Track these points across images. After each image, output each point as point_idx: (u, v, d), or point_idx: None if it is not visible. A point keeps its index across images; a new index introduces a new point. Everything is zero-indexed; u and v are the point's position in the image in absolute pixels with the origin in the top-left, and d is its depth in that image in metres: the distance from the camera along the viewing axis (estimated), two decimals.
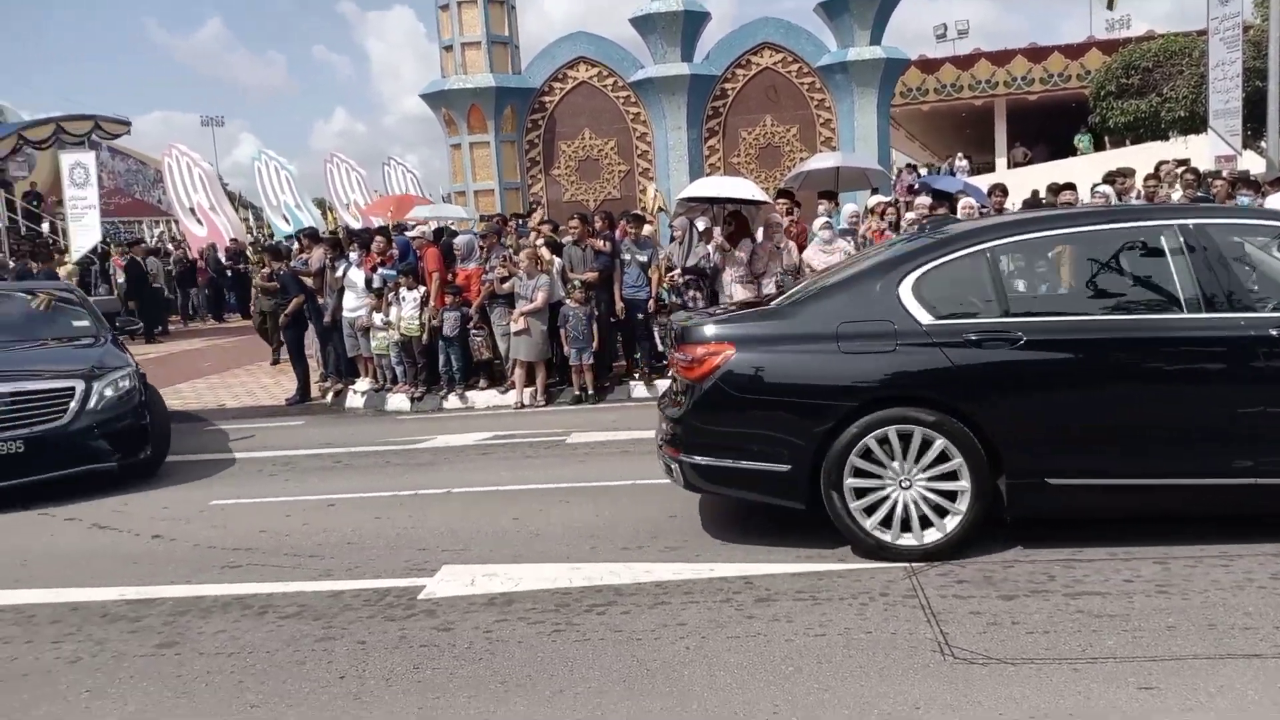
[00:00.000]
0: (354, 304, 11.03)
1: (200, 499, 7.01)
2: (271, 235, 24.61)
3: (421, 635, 4.21)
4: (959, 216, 10.13)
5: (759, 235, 10.22)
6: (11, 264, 17.95)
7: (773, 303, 5.49)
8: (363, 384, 11.28)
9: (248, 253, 20.80)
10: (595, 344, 10.18)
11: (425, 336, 10.61)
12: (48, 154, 27.73)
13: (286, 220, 23.82)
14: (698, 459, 4.98)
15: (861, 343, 4.71)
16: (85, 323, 8.83)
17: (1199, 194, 10.02)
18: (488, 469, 7.47)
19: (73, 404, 7.27)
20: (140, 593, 5.01)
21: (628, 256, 10.41)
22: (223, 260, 21.80)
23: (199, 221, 23.91)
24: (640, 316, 10.53)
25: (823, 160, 12.42)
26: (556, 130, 15.50)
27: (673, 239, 10.55)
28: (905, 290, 4.78)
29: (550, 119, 15.47)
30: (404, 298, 10.56)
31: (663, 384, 10.40)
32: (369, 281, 10.88)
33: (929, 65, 32.80)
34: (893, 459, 4.64)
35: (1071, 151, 29.53)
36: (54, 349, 8.27)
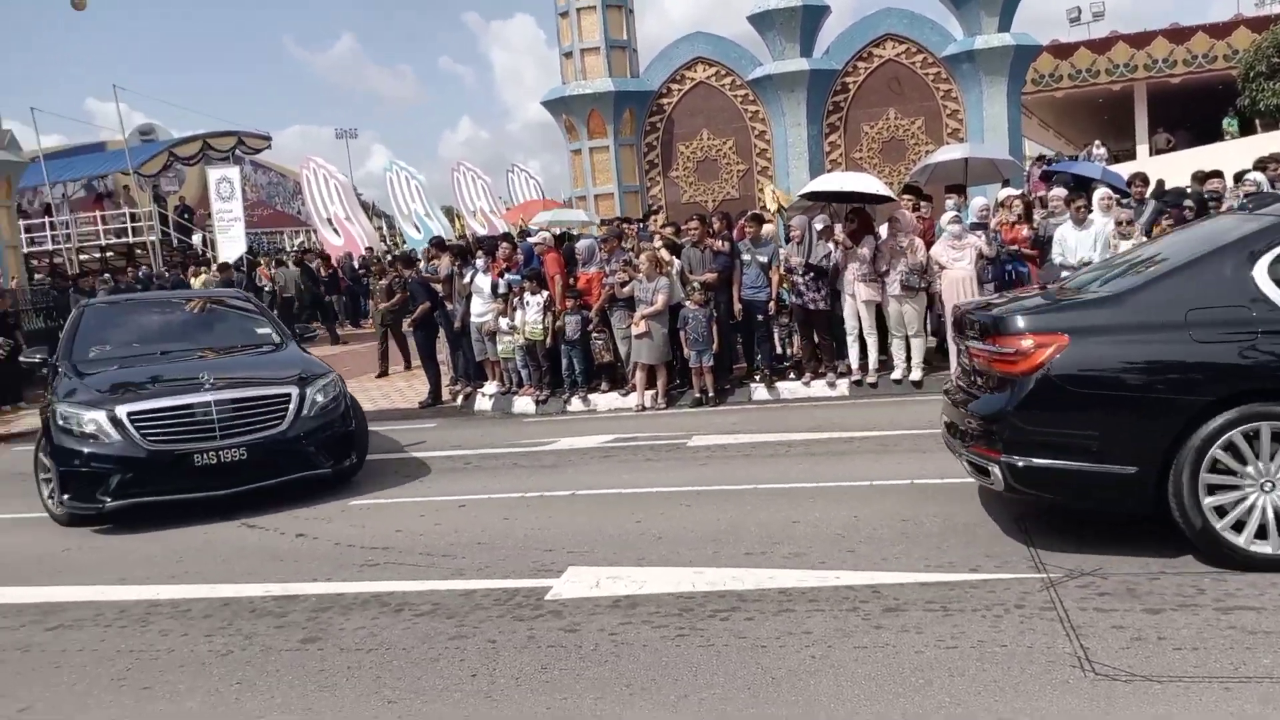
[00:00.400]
0: (480, 309, 11.35)
1: (340, 499, 7.34)
2: (403, 243, 25.54)
3: (549, 636, 4.30)
4: (1094, 206, 9.69)
5: (882, 232, 10.00)
6: (167, 274, 19.19)
7: (1080, 292, 5.08)
8: (490, 387, 11.59)
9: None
10: (715, 346, 10.17)
11: (548, 340, 10.82)
12: (196, 169, 29.56)
13: (417, 229, 24.69)
14: (1024, 460, 4.59)
15: (1217, 330, 4.33)
16: (266, 329, 8.91)
17: None
18: (610, 471, 7.57)
19: (290, 410, 7.28)
20: (285, 589, 5.29)
21: (747, 257, 10.35)
22: (357, 269, 22.75)
23: (336, 232, 25.01)
24: (760, 317, 10.46)
25: (950, 152, 12.06)
26: (674, 131, 15.55)
27: (789, 238, 10.43)
28: (1261, 273, 4.39)
29: (668, 120, 15.53)
30: (528, 302, 10.79)
31: (785, 386, 10.37)
32: (494, 287, 11.17)
33: (1062, 50, 31.36)
34: (1256, 458, 4.26)
35: (1218, 136, 27.81)
36: (259, 356, 8.36)
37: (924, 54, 14.40)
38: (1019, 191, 11.62)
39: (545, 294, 10.77)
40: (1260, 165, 10.72)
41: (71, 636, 4.83)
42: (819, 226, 10.22)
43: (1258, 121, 24.59)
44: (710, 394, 10.27)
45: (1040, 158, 24.91)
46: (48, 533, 7.12)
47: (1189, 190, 11.14)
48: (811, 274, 9.98)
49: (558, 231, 14.80)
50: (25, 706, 4.05)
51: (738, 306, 10.41)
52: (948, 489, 6.08)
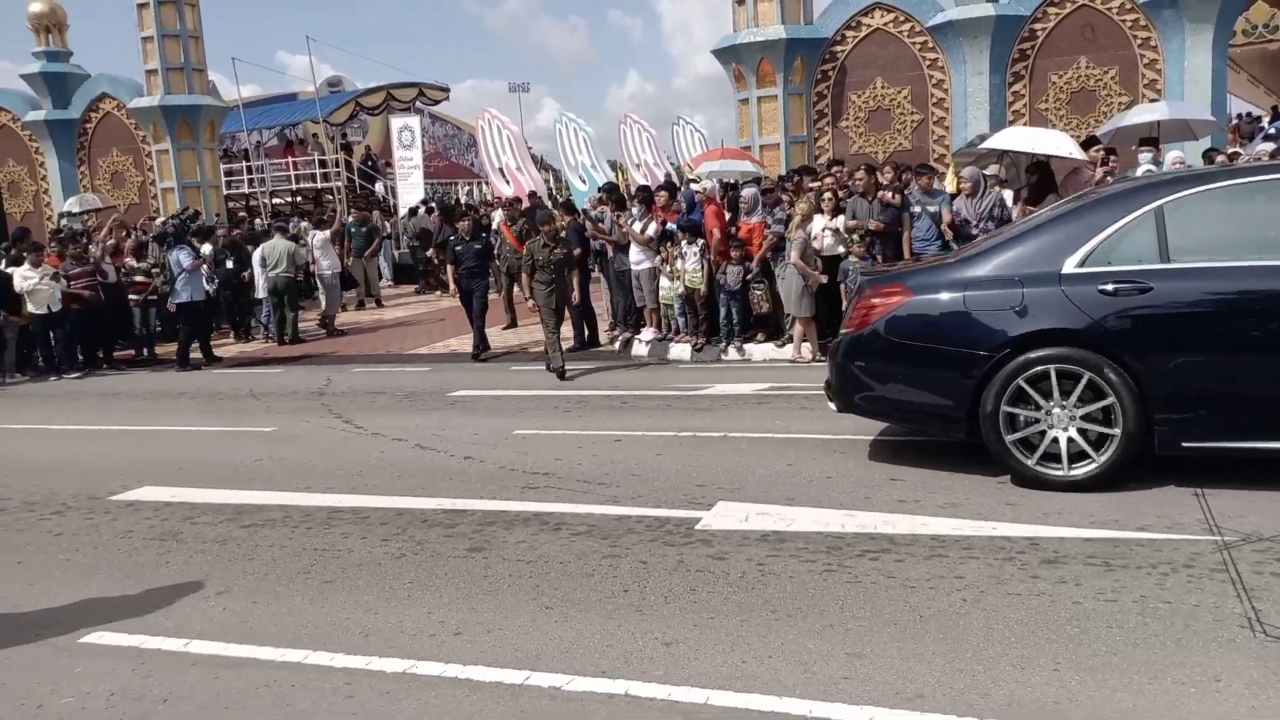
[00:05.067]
0: (638, 256, 11.50)
1: (505, 428, 7.70)
2: (569, 195, 26.04)
3: (698, 561, 4.43)
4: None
5: (1065, 190, 9.50)
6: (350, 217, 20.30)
7: None
8: (647, 333, 11.78)
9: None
10: None
11: (705, 289, 10.88)
12: (379, 120, 30.97)
13: (583, 181, 25.10)
14: None
15: None
16: None
17: None
18: (763, 417, 7.61)
19: None
20: (455, 504, 5.64)
21: (917, 209, 10.07)
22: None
23: (506, 181, 25.78)
24: None
25: (1143, 114, 11.29)
26: (847, 80, 15.20)
27: (959, 191, 10.05)
28: None
29: (840, 69, 15.18)
30: (684, 252, 10.87)
31: None
32: (651, 234, 11.29)
33: None
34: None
35: None
36: None
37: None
38: (1229, 152, 10.78)
39: (701, 243, 10.82)
40: None
41: (264, 534, 5.32)
42: (990, 172, 9.79)
43: None
44: None
45: (1246, 115, 22.87)
46: (240, 444, 7.81)
47: None
48: (985, 227, 9.61)
49: (722, 181, 14.74)
50: (224, 589, 4.52)
51: (906, 259, 10.14)
52: None
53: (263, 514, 5.71)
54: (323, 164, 27.00)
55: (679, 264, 10.99)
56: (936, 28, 14.35)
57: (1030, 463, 5.08)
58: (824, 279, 9.97)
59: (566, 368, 10.08)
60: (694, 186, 12.19)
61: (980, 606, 3.74)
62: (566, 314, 11.07)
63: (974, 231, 9.64)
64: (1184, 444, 4.92)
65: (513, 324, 14.41)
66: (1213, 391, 4.85)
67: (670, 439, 6.99)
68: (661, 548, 4.64)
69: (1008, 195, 9.77)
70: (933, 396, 5.52)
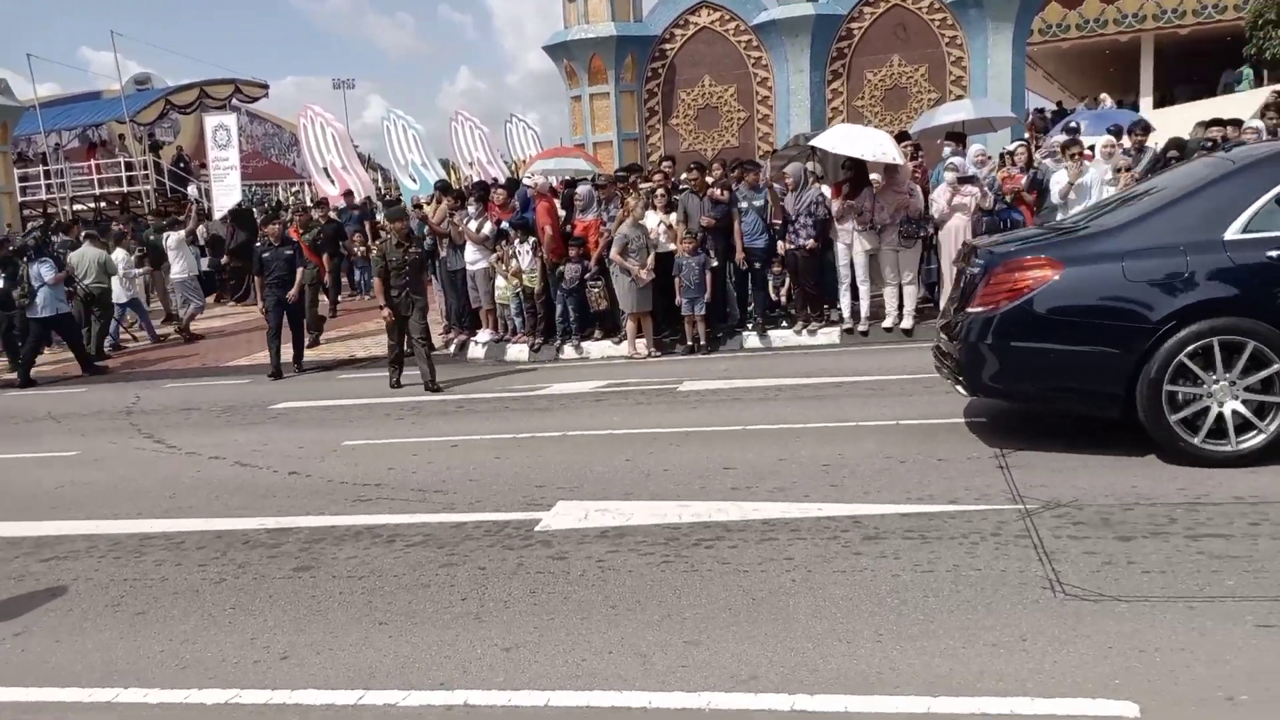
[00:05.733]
0: (473, 256, 11.33)
1: (333, 440, 7.42)
2: (399, 195, 25.37)
3: (538, 563, 4.39)
4: (1098, 155, 9.65)
5: (876, 179, 9.97)
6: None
7: None
8: (484, 335, 11.63)
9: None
10: (708, 295, 10.18)
11: (539, 287, 10.84)
12: (192, 119, 29.28)
13: (414, 179, 24.50)
14: None
15: None
16: None
17: None
18: (602, 414, 7.64)
19: None
20: (279, 522, 5.38)
21: (744, 205, 10.33)
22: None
23: (332, 181, 24.87)
24: (757, 266, 10.45)
25: (951, 113, 11.99)
26: (676, 78, 15.44)
27: (784, 186, 10.39)
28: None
29: (670, 67, 15.41)
30: (518, 251, 10.79)
31: (777, 334, 10.40)
32: (487, 233, 11.15)
33: (1071, 0, 30.98)
34: None
35: (1223, 90, 27.52)
36: None
37: None
38: (1021, 142, 11.55)
39: (533, 240, 10.76)
40: (1261, 114, 10.66)
41: (66, 567, 4.93)
42: (809, 168, 10.15)
43: (1265, 73, 24.29)
44: (702, 342, 10.32)
45: (1039, 110, 24.67)
46: (40, 471, 7.22)
47: (1194, 139, 11.04)
48: (805, 221, 9.97)
49: (557, 180, 14.69)
50: (22, 630, 4.16)
51: (740, 256, 10.38)
52: (931, 428, 6.16)
53: (65, 545, 5.28)
54: (129, 166, 25.32)
55: (513, 263, 10.90)
56: (760, 26, 14.76)
57: (1197, 441, 4.85)
58: (650, 275, 10.07)
59: (438, 384, 9.23)
60: (526, 183, 12.09)
61: (808, 585, 3.87)
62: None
63: (796, 226, 9.99)
64: None
65: (315, 341, 13.03)
66: None
67: (508, 441, 6.91)
68: (501, 552, 4.58)
69: (826, 190, 10.16)
70: (1089, 374, 5.14)
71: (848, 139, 10.15)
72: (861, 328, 10.11)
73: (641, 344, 10.41)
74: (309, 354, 12.00)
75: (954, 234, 9.63)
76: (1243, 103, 19.88)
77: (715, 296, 10.43)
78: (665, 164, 12.15)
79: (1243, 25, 23.95)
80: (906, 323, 9.95)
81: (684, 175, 11.05)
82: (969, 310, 5.46)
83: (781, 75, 14.81)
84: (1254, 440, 4.79)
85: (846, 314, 10.26)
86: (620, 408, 7.85)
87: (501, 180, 13.96)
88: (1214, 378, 4.81)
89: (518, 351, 11.10)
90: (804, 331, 10.36)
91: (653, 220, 10.46)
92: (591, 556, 4.42)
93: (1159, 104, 29.34)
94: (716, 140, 15.44)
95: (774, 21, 14.45)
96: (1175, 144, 10.43)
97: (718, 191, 10.34)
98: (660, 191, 10.70)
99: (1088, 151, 9.62)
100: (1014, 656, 3.16)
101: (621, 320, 10.67)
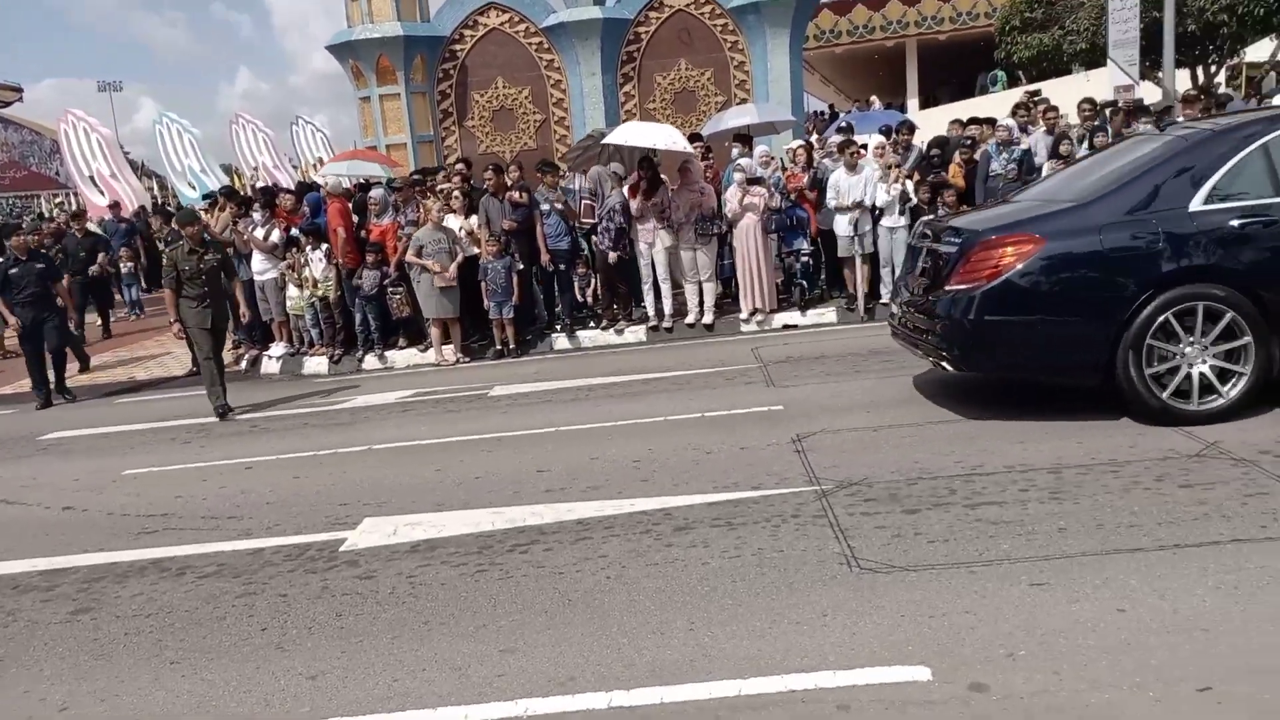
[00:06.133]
0: (261, 265, 10.76)
1: (113, 469, 6.86)
2: (179, 203, 23.79)
3: (344, 585, 4.22)
4: (869, 154, 10.27)
5: (676, 182, 10.23)
6: None
7: None
8: (277, 348, 11.07)
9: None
10: (515, 297, 10.12)
11: (336, 295, 10.44)
12: None
13: (192, 186, 23.04)
14: None
15: None
16: None
17: (1095, 124, 10.30)
18: (409, 425, 7.44)
19: None
20: (52, 563, 4.92)
21: (545, 206, 10.33)
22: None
23: (100, 191, 23.01)
24: (562, 268, 10.48)
25: (738, 117, 12.45)
26: (469, 80, 15.21)
27: (587, 190, 10.48)
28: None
29: (461, 68, 15.17)
30: (310, 258, 10.35)
31: (585, 335, 10.48)
32: (275, 241, 10.62)
33: (841, 7, 32.86)
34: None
35: (979, 91, 30.02)
36: None
37: (712, 4, 14.67)
38: (800, 142, 12.14)
39: (326, 247, 10.36)
40: (1012, 112, 11.69)
41: None
42: (612, 169, 10.30)
43: (1021, 75, 26.62)
44: (511, 345, 10.25)
45: (818, 113, 26.08)
46: None
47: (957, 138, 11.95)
48: (610, 222, 10.09)
49: (350, 182, 14.18)
50: None
51: (545, 257, 10.36)
52: (735, 419, 6.38)
53: None
54: None
55: (306, 271, 10.44)
56: (550, 29, 14.77)
57: (1165, 396, 5.13)
58: (452, 276, 9.88)
59: (229, 405, 8.46)
60: (318, 181, 11.59)
61: (623, 581, 3.91)
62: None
63: (610, 229, 10.08)
64: None
65: (85, 368, 11.96)
66: None
67: (308, 460, 6.61)
68: (303, 576, 4.37)
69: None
70: (1073, 344, 5.32)
71: (639, 133, 10.38)
72: (666, 324, 10.35)
73: (449, 350, 10.22)
74: (82, 380, 11.06)
75: (746, 233, 10.03)
76: (998, 102, 21.77)
77: (523, 299, 10.38)
78: (459, 165, 11.95)
79: (993, 31, 26.18)
80: (708, 318, 10.26)
81: (484, 177, 10.92)
82: (950, 288, 5.56)
83: (575, 78, 14.89)
84: (1215, 404, 5.15)
85: (651, 312, 10.47)
86: (429, 417, 7.68)
87: (289, 185, 13.32)
88: (1190, 340, 5.13)
89: (316, 364, 10.63)
90: (612, 330, 10.49)
91: (454, 224, 10.28)
92: (402, 573, 4.29)
93: (924, 105, 31.75)
94: (514, 142, 15.34)
95: (563, 24, 14.51)
96: (937, 142, 11.29)
97: (516, 194, 10.29)
98: (456, 194, 10.53)
99: (861, 150, 10.23)
100: (816, 632, 3.32)
101: (426, 327, 10.43)
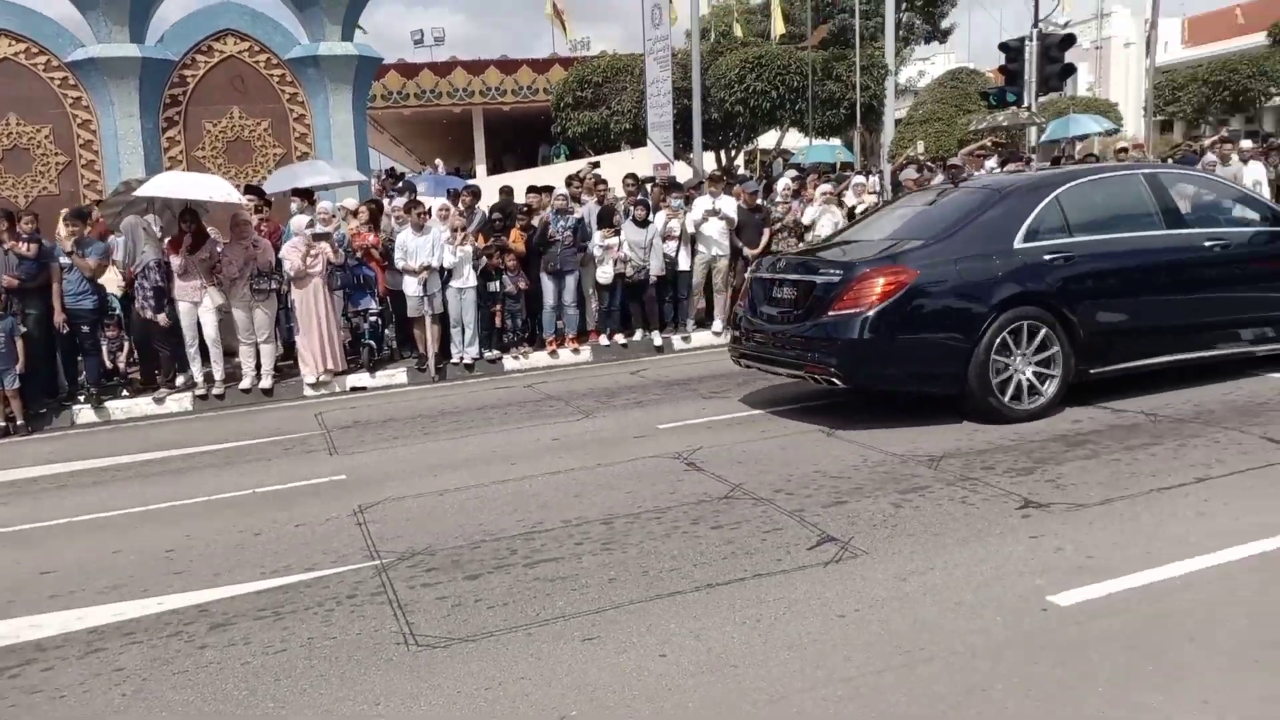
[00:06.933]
0: None
1: None
2: None
3: None
4: (434, 216, 10.30)
5: (214, 234, 9.45)
6: None
7: None
8: None
9: None
10: (20, 364, 8.60)
11: None
12: None
13: None
14: None
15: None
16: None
17: (639, 198, 11.29)
18: None
19: None
20: None
21: (66, 260, 8.99)
22: None
23: None
24: (85, 329, 9.15)
25: (314, 174, 11.97)
26: None
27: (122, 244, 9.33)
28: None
29: None
30: None
31: (117, 405, 9.21)
32: None
33: (409, 70, 33.13)
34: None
35: (543, 161, 31.80)
36: None
37: (268, 54, 13.96)
38: (358, 201, 11.84)
39: None
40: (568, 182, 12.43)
41: None
42: (150, 223, 9.29)
43: (582, 148, 28.54)
44: (20, 421, 8.69)
45: (388, 172, 25.96)
46: None
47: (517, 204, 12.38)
48: (146, 280, 9.04)
49: None
50: None
51: (60, 317, 8.94)
52: (291, 493, 5.93)
53: None
54: None
55: None
56: (77, 64, 13.09)
57: (1006, 399, 6.19)
58: None
59: None
60: None
61: (142, 698, 3.37)
62: None
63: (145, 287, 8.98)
64: (1092, 371, 6.43)
65: None
66: (1116, 330, 6.48)
67: None
68: None
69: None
70: (940, 358, 6.23)
71: (179, 184, 9.52)
72: (217, 391, 9.44)
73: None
74: None
75: (311, 292, 9.53)
76: (559, 171, 23.19)
77: (29, 367, 8.83)
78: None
79: (550, 106, 27.91)
80: (265, 382, 9.53)
81: None
82: (835, 313, 6.32)
83: (108, 119, 13.29)
84: (1039, 402, 6.27)
85: (198, 377, 9.49)
86: None
87: None
88: (1019, 351, 6.23)
89: None
90: (150, 399, 9.34)
91: None
92: None
93: (492, 170, 32.97)
94: (31, 186, 13.30)
95: (94, 60, 12.94)
96: (499, 207, 11.68)
97: (24, 246, 8.84)
98: None
99: (427, 214, 10.23)
100: None
101: None
